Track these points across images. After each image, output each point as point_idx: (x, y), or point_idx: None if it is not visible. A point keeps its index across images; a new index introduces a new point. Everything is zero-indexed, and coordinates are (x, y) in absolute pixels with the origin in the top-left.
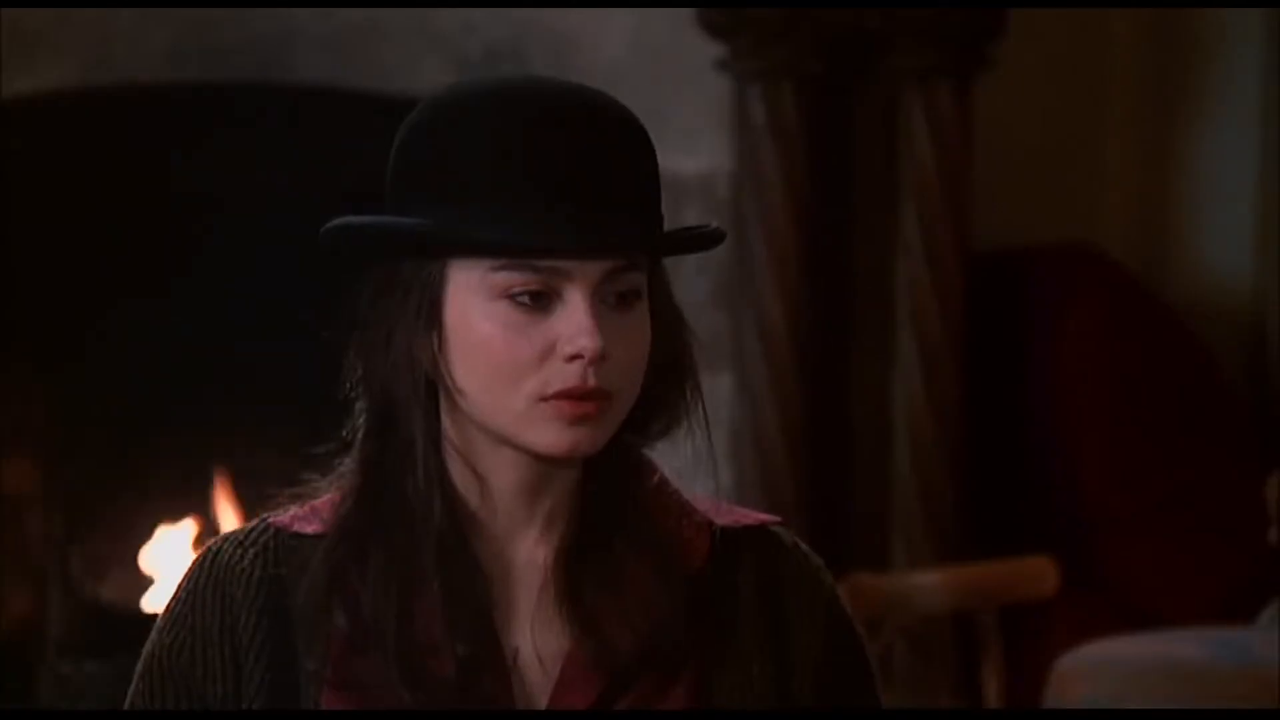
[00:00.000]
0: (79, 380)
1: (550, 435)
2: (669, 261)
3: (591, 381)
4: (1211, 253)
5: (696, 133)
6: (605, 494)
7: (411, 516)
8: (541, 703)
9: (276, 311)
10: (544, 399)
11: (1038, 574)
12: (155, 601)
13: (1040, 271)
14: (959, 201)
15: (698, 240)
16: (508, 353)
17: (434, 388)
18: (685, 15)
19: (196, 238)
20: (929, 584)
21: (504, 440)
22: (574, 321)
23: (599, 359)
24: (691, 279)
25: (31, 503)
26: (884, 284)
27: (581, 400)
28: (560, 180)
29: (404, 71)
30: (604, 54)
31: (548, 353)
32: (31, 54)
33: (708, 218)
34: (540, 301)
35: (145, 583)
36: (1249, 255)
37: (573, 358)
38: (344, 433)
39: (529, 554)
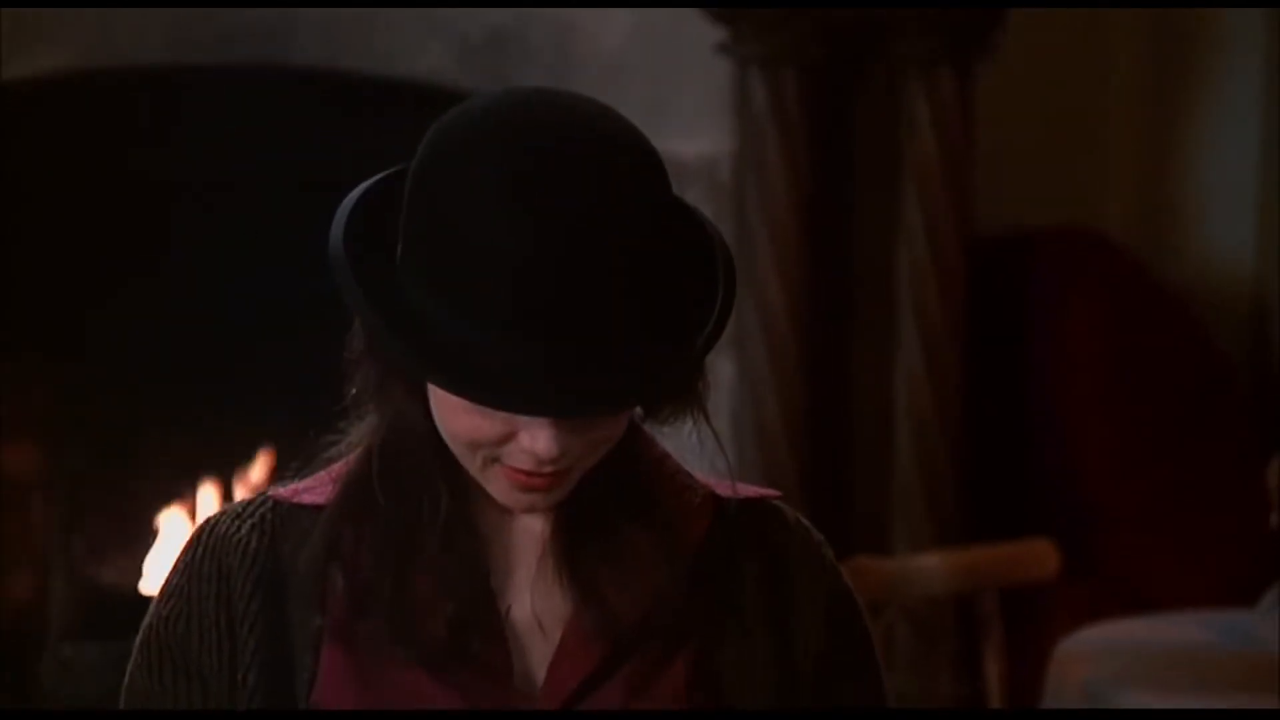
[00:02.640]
0: (80, 366)
1: (507, 497)
2: None
3: (547, 470)
4: (1214, 238)
5: (698, 117)
6: (605, 465)
7: (413, 486)
8: (541, 670)
9: (277, 298)
10: (498, 462)
11: (1039, 557)
12: (155, 586)
13: (1042, 257)
14: (961, 186)
15: (688, 366)
16: (468, 432)
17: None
18: None
19: (197, 223)
20: (930, 566)
21: None
22: (534, 430)
23: (557, 460)
24: None
25: (34, 487)
26: (885, 269)
27: (534, 476)
28: (553, 327)
29: (405, 55)
30: (606, 39)
31: (508, 437)
32: (31, 37)
33: (709, 202)
34: None
35: (146, 567)
36: (1251, 240)
37: (529, 452)
38: (345, 400)
39: (528, 523)
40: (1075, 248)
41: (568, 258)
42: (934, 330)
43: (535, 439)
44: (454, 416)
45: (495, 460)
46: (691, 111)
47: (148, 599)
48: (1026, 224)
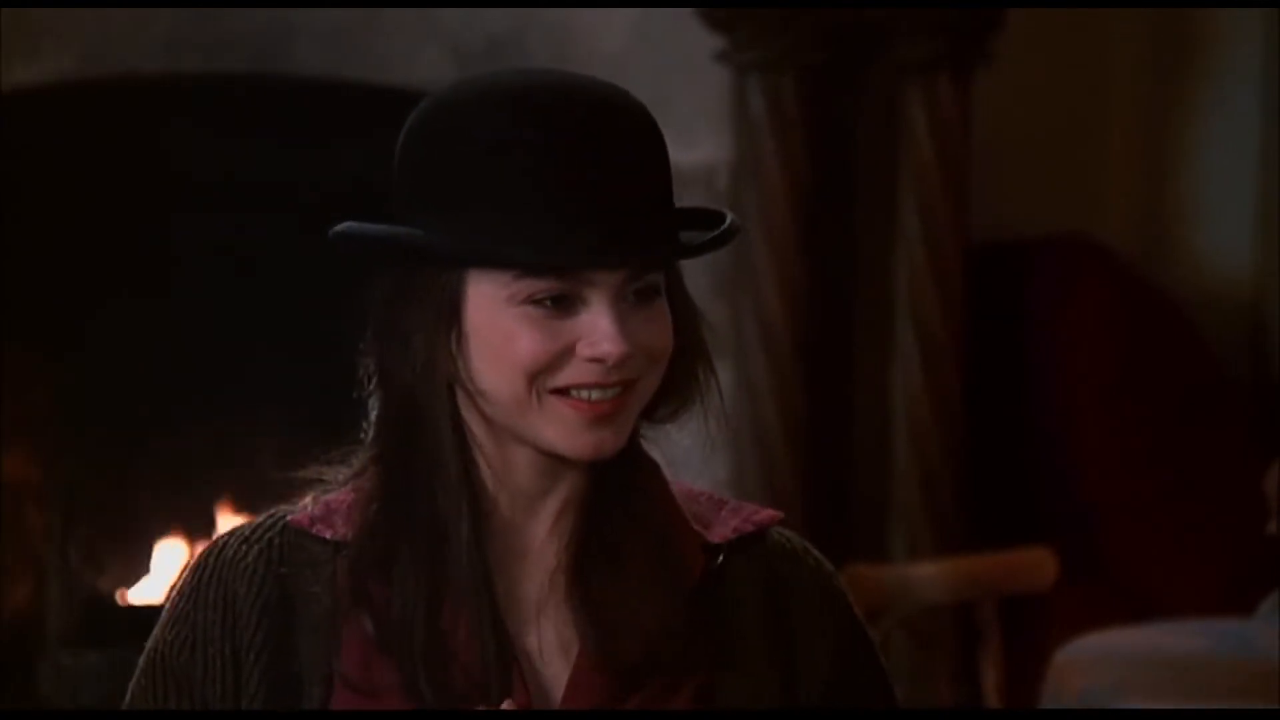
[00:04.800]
0: (80, 371)
1: (572, 437)
2: None
3: (613, 379)
4: (1212, 243)
5: (696, 124)
6: (614, 491)
7: (439, 517)
8: (552, 702)
9: (278, 304)
10: (557, 390)
11: (1037, 565)
12: (154, 593)
13: (1040, 262)
14: (959, 192)
15: (719, 240)
16: (529, 350)
17: (453, 389)
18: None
19: (198, 229)
20: (927, 575)
21: (526, 441)
22: (598, 326)
23: (622, 362)
24: (691, 269)
25: (32, 494)
26: (884, 275)
27: (598, 402)
28: (580, 188)
29: (404, 62)
30: (605, 45)
31: (568, 353)
32: (31, 45)
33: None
34: (563, 304)
35: (145, 574)
36: (1249, 245)
37: (594, 360)
38: (360, 433)
39: (539, 549)
40: (1073, 253)
41: (584, 146)
42: (933, 336)
43: (598, 339)
44: (510, 344)
45: (553, 392)
46: (690, 119)
47: (146, 607)
48: (1025, 229)
